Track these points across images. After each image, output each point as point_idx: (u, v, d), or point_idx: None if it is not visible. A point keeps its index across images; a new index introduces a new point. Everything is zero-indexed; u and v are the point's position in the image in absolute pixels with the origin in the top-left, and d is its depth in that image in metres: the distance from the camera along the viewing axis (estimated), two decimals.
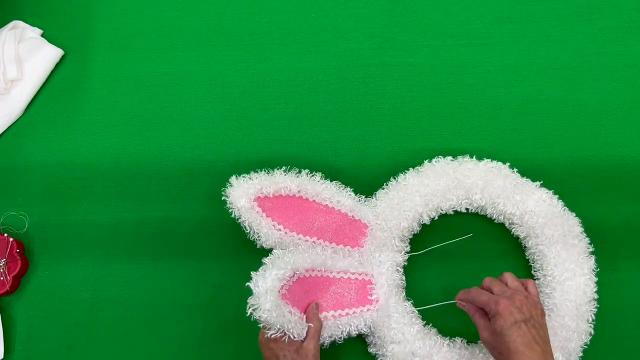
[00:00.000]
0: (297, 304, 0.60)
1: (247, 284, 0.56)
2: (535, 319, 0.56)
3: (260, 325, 0.57)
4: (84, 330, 0.71)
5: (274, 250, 0.62)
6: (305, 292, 0.62)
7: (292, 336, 0.57)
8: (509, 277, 0.60)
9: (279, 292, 0.56)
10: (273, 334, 0.56)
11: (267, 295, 0.54)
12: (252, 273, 0.57)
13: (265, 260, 0.60)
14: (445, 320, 0.67)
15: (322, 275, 0.64)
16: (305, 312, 0.61)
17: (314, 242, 0.66)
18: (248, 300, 0.56)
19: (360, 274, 0.67)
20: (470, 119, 0.75)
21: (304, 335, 0.58)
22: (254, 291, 0.55)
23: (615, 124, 0.75)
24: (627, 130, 0.74)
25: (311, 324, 0.59)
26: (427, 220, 0.70)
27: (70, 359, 0.70)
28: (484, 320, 0.58)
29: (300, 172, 0.67)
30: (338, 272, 0.66)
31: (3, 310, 0.72)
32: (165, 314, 0.71)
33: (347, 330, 0.64)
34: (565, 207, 0.68)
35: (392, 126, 0.75)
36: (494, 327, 0.56)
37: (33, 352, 0.71)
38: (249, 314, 0.55)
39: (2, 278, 0.70)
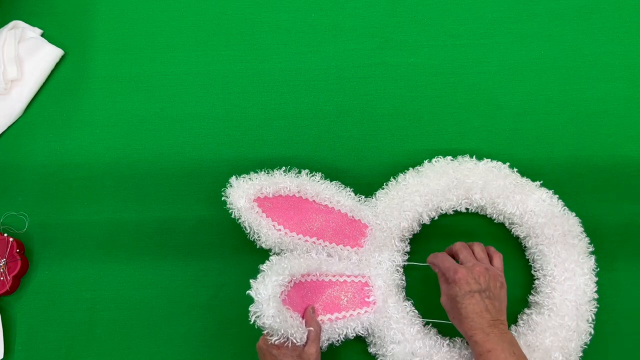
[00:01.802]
0: (295, 309, 0.60)
1: (248, 292, 0.56)
2: (492, 291, 0.59)
3: (264, 332, 0.57)
4: (84, 330, 0.71)
5: (270, 257, 0.62)
6: (302, 297, 0.62)
7: (294, 341, 0.57)
8: (477, 247, 0.64)
9: (279, 297, 0.56)
10: (276, 339, 0.56)
11: (269, 301, 0.54)
12: (251, 281, 0.57)
13: (263, 267, 0.59)
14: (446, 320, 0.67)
15: (317, 279, 0.64)
16: (303, 317, 0.61)
17: (313, 242, 0.65)
18: (250, 308, 0.55)
19: (357, 277, 0.67)
20: (470, 119, 0.75)
21: (305, 339, 0.58)
22: (256, 298, 0.55)
23: (615, 124, 0.75)
24: (627, 130, 0.74)
25: (312, 328, 0.59)
26: (427, 220, 0.70)
27: (70, 359, 0.71)
28: (445, 285, 0.62)
29: (300, 172, 0.67)
30: (334, 276, 0.66)
31: (3, 310, 0.72)
32: (165, 314, 0.71)
33: (345, 333, 0.64)
34: (565, 207, 0.68)
35: (392, 126, 0.75)
36: (450, 293, 0.60)
37: (33, 352, 0.71)
38: (252, 321, 0.55)
39: (2, 278, 0.70)
